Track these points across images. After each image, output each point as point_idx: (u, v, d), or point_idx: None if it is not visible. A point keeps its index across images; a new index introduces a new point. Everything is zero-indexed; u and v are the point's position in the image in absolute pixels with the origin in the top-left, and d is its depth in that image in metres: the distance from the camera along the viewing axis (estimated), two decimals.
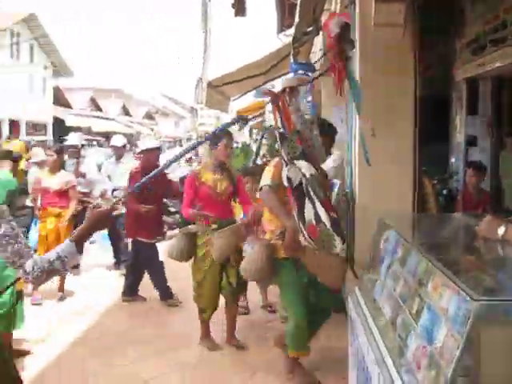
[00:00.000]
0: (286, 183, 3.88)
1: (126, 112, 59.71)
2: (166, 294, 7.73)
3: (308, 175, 3.75)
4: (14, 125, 36.56)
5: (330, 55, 4.35)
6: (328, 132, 5.08)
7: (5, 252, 2.60)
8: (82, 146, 9.94)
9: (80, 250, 2.75)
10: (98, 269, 9.67)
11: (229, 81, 12.70)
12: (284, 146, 3.89)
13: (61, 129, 37.97)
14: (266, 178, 4.99)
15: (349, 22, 4.19)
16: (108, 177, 9.43)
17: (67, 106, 45.05)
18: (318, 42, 10.21)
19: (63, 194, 8.00)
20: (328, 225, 3.58)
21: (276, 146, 13.23)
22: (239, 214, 6.68)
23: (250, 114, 13.13)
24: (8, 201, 6.23)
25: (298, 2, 7.01)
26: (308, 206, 3.69)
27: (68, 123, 39.35)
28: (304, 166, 3.77)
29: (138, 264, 7.82)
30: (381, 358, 2.87)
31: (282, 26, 11.03)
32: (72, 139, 9.51)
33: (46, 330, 6.63)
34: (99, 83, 60.71)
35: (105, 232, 10.66)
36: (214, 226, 5.87)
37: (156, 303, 7.70)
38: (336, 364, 5.24)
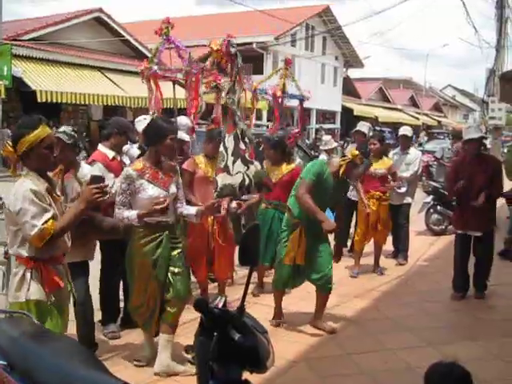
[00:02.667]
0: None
1: (414, 103, 59.32)
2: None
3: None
4: (304, 113, 38.44)
5: None
6: None
7: None
8: (371, 136, 10.13)
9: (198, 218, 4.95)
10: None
11: None
12: None
13: (349, 118, 39.08)
14: None
15: None
16: None
17: (356, 95, 46.23)
18: None
19: (383, 178, 8.52)
20: None
21: None
22: None
23: None
24: None
25: None
26: None
27: (356, 112, 40.38)
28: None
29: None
30: None
31: None
32: (361, 127, 9.79)
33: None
34: (388, 73, 61.11)
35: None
36: None
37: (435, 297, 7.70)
38: None
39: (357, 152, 5.84)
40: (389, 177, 8.53)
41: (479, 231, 7.31)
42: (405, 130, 9.68)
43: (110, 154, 5.82)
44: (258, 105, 8.56)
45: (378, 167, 8.41)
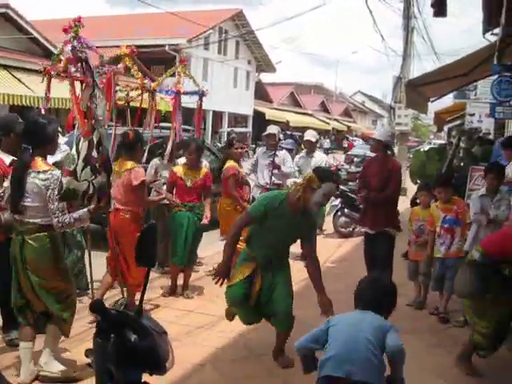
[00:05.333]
0: None
1: (325, 108, 60.45)
2: None
3: None
4: (216, 116, 38.52)
5: None
6: None
7: None
8: (280, 139, 10.27)
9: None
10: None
11: (428, 81, 12.50)
12: None
13: (260, 122, 39.43)
14: None
15: None
16: (298, 171, 9.74)
17: (268, 100, 46.66)
18: None
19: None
20: None
21: (473, 150, 12.83)
22: None
23: (449, 116, 12.91)
24: None
25: (505, 2, 6.79)
26: None
27: (267, 116, 40.77)
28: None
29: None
30: None
31: (489, 25, 10.63)
32: (271, 129, 9.89)
33: None
34: (300, 79, 62.01)
35: None
36: None
37: None
38: None
39: (312, 175, 5.13)
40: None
41: (373, 229, 7.55)
42: (309, 135, 9.96)
43: (7, 159, 5.36)
44: (160, 106, 8.51)
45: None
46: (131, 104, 8.36)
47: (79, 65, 5.19)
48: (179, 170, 7.56)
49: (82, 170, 4.93)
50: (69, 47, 5.19)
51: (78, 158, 4.97)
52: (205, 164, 8.19)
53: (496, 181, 6.83)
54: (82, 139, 5.06)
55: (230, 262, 5.29)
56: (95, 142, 5.05)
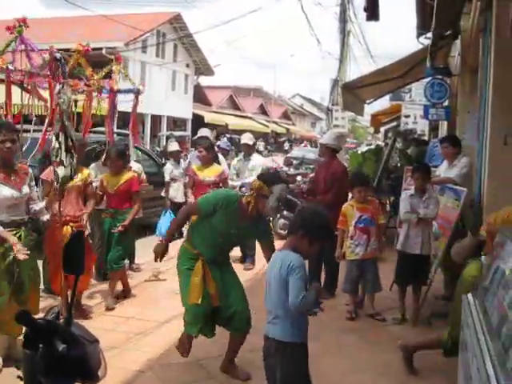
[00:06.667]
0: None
1: (264, 111, 60.70)
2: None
3: None
4: (155, 120, 38.22)
5: None
6: None
7: None
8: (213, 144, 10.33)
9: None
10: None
11: (364, 83, 12.70)
12: None
13: (199, 125, 39.31)
14: None
15: None
16: (236, 174, 9.80)
17: (207, 103, 46.55)
18: (456, 45, 10.00)
19: (216, 186, 8.49)
20: None
21: (409, 151, 13.09)
22: None
23: (386, 118, 13.34)
24: None
25: (435, 7, 6.94)
26: None
27: (206, 120, 40.69)
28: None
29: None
30: (483, 368, 2.78)
31: (423, 28, 10.88)
32: (202, 132, 9.97)
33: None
34: (239, 82, 62.07)
35: None
36: None
37: None
38: None
39: (260, 183, 4.97)
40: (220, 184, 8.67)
41: None
42: (245, 138, 10.04)
43: None
44: (99, 109, 8.38)
45: (207, 175, 8.61)
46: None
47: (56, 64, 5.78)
48: (105, 176, 7.55)
49: (65, 158, 5.58)
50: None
51: (61, 149, 5.54)
52: (138, 167, 8.11)
53: (422, 180, 6.88)
54: (60, 133, 5.61)
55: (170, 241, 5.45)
56: (70, 134, 5.66)
